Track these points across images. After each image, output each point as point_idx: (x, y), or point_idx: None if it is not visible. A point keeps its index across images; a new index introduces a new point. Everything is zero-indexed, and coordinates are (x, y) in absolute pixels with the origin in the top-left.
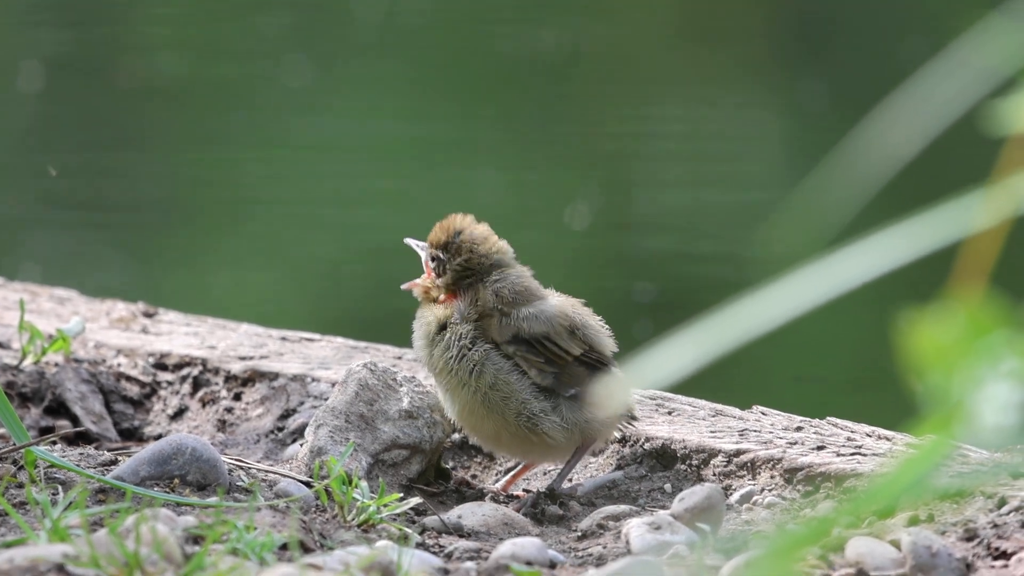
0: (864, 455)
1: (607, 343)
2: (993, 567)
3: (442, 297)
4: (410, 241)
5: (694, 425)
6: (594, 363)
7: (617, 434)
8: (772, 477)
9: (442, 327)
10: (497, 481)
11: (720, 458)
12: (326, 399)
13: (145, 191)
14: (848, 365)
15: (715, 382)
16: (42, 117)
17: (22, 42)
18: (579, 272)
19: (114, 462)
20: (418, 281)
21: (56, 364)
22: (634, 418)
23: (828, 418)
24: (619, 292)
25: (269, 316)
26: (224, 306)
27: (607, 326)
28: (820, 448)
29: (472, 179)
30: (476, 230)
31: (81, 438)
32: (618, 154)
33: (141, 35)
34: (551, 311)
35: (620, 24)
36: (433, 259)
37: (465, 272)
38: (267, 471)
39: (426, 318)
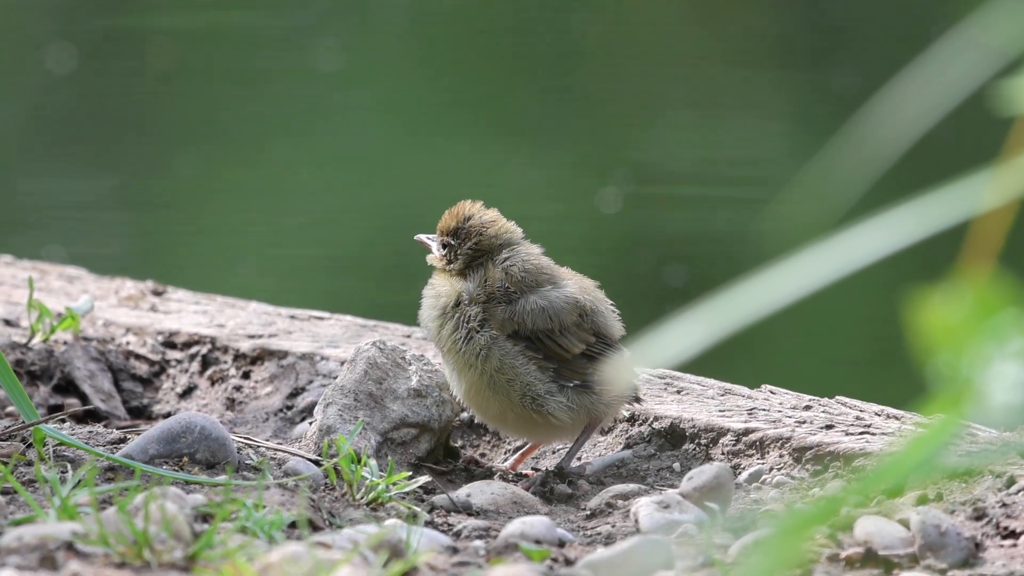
0: (873, 434)
1: (616, 327)
2: (1002, 546)
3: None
4: (420, 237)
5: (703, 404)
6: (598, 354)
7: (625, 413)
8: (781, 456)
9: (456, 303)
10: (506, 460)
11: (729, 437)
12: (335, 378)
13: (172, 175)
14: (857, 344)
15: (724, 361)
16: (72, 99)
17: (52, 24)
18: (610, 255)
19: (123, 440)
20: (432, 248)
21: (65, 342)
22: (639, 399)
23: (837, 397)
24: (649, 275)
25: (286, 295)
26: (240, 284)
27: (617, 310)
28: (829, 427)
29: (500, 162)
30: (485, 215)
31: (90, 416)
32: (645, 138)
33: (171, 20)
34: (558, 303)
35: (646, 7)
36: (444, 246)
37: (476, 255)
38: (276, 449)
39: (440, 290)
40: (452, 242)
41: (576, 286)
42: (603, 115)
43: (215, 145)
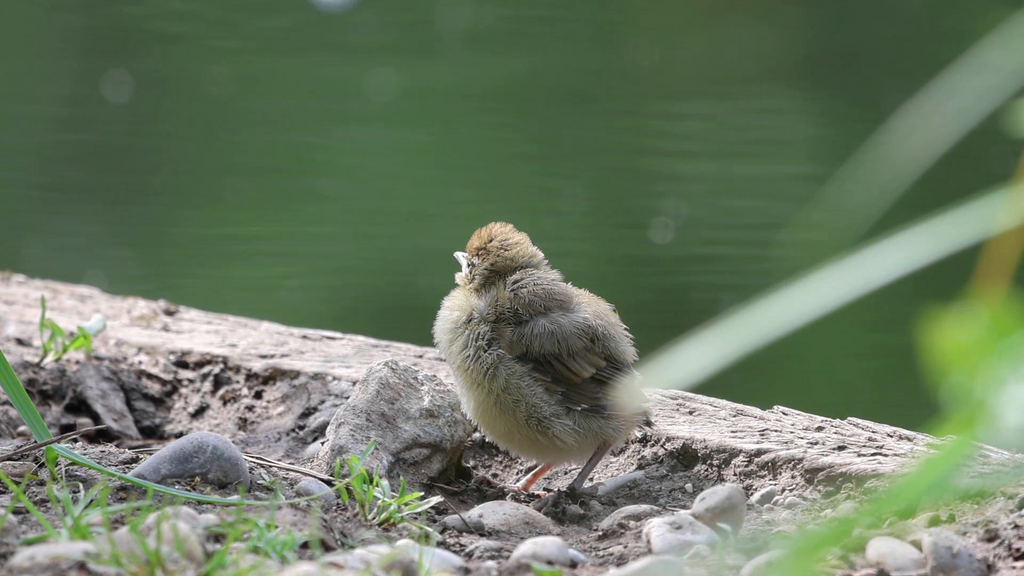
0: (885, 455)
1: (629, 352)
2: (1014, 568)
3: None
4: (457, 254)
5: (715, 425)
6: (608, 378)
7: (638, 434)
8: (793, 477)
9: (468, 320)
10: (518, 480)
11: (741, 458)
12: (347, 397)
13: (222, 204)
14: (870, 365)
15: (736, 382)
16: (128, 128)
17: (109, 53)
18: (663, 283)
19: (135, 460)
20: (462, 265)
21: (77, 362)
22: (649, 423)
23: (849, 418)
24: (705, 302)
25: (299, 315)
26: (251, 305)
27: (631, 335)
28: (841, 448)
29: (553, 189)
30: (509, 236)
31: (102, 436)
32: (700, 165)
33: (217, 48)
34: (567, 328)
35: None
36: (469, 265)
37: (491, 275)
38: (288, 469)
39: (455, 305)
40: (475, 261)
41: (591, 311)
42: (653, 146)
43: (249, 174)
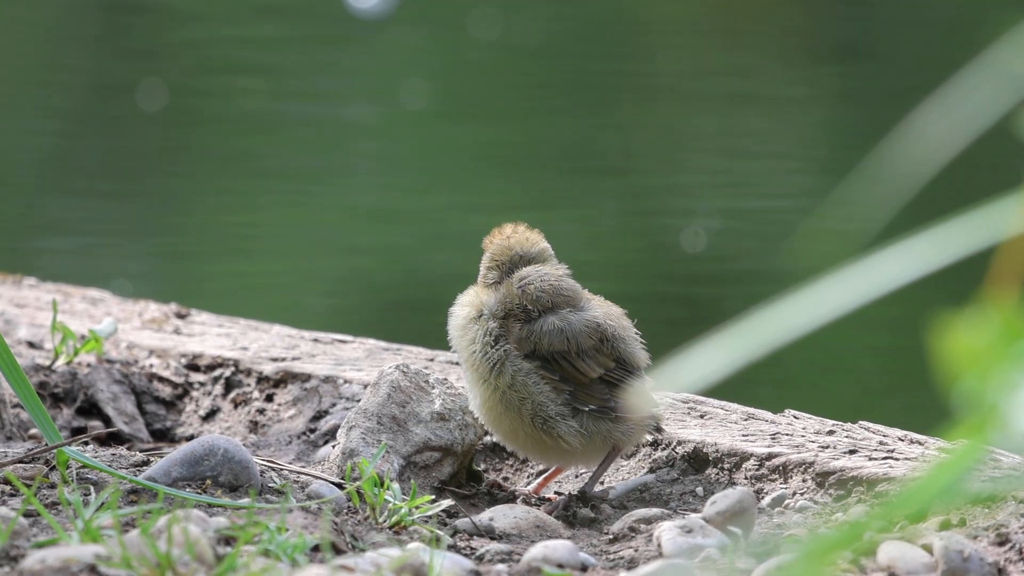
0: (896, 459)
1: (640, 355)
2: None
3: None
4: None
5: (726, 429)
6: (617, 381)
7: (649, 437)
8: (804, 481)
9: (478, 316)
10: (529, 484)
11: (752, 462)
12: (358, 401)
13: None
14: (881, 369)
15: (748, 386)
16: (158, 135)
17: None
18: (694, 294)
19: (146, 463)
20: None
21: (88, 365)
22: (660, 429)
23: (860, 422)
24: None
25: (308, 318)
26: (261, 307)
27: (643, 340)
28: (852, 452)
29: (583, 195)
30: (518, 232)
31: (113, 439)
32: (733, 175)
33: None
34: (577, 325)
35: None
36: (483, 261)
37: (495, 268)
38: (299, 472)
39: (466, 300)
40: (487, 257)
41: (601, 311)
42: (684, 151)
43: (264, 178)
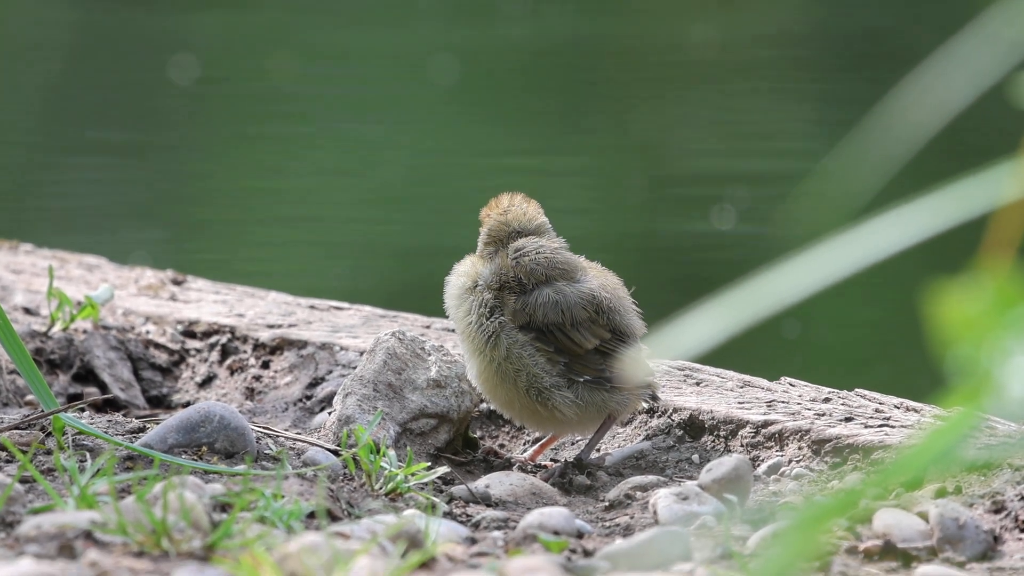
0: (892, 427)
1: (636, 324)
2: (1021, 539)
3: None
4: None
5: (722, 396)
6: (612, 351)
7: (645, 405)
8: (800, 448)
9: (473, 287)
10: (525, 451)
11: (748, 429)
12: (354, 368)
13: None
14: (876, 336)
15: (743, 353)
16: (189, 108)
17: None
18: (724, 269)
19: (142, 429)
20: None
21: (85, 331)
22: (656, 398)
23: (856, 389)
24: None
25: (308, 286)
26: (263, 275)
27: (640, 309)
28: (848, 420)
29: (615, 173)
30: (514, 203)
31: (109, 405)
32: (764, 154)
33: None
34: (572, 297)
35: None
36: (481, 236)
37: (492, 241)
38: (295, 439)
39: (462, 270)
40: (482, 229)
41: (597, 283)
42: (719, 131)
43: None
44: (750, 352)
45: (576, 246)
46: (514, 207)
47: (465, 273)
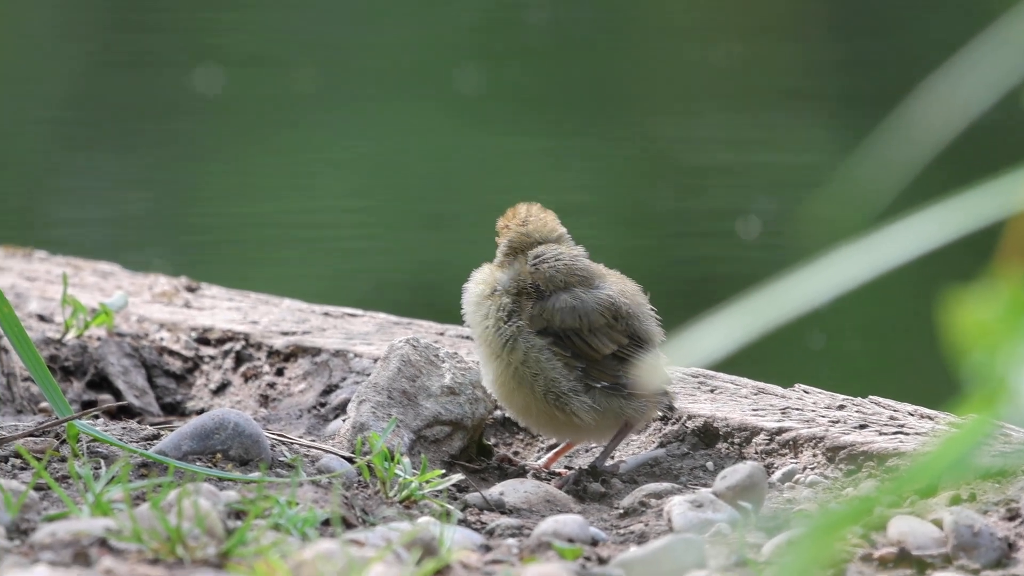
0: (906, 434)
1: (654, 331)
2: None
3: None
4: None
5: (736, 403)
6: (630, 357)
7: (658, 413)
8: (814, 456)
9: (491, 292)
10: (539, 458)
11: (762, 436)
12: (368, 375)
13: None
14: (891, 343)
15: (758, 360)
16: (217, 119)
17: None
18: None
19: (156, 436)
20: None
21: (99, 338)
22: (672, 408)
23: (870, 396)
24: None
25: (318, 293)
26: (272, 282)
27: (658, 316)
28: (862, 427)
29: (638, 182)
30: (532, 214)
31: (123, 412)
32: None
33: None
34: (589, 303)
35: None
36: (500, 247)
37: (512, 251)
38: (309, 446)
39: (480, 277)
40: (499, 240)
41: (616, 289)
42: (740, 140)
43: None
44: (764, 359)
45: (596, 255)
46: (533, 218)
47: (483, 280)
